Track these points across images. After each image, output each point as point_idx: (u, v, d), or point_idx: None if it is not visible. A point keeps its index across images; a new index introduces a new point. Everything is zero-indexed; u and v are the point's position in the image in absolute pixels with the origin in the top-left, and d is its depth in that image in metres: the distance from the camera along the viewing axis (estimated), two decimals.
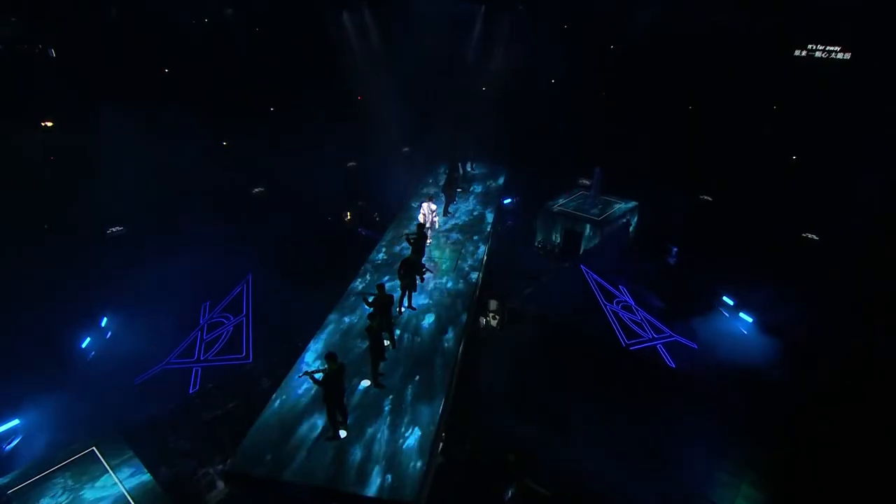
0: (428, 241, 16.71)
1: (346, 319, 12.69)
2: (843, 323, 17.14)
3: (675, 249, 23.08)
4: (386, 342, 11.45)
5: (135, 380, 15.03)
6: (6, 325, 14.62)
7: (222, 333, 17.23)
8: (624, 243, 24.03)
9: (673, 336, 18.11)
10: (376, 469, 8.70)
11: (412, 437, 9.36)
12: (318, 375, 8.83)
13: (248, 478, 8.81)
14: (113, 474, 11.06)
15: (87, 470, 11.11)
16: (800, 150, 24.56)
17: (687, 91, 25.77)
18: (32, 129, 18.94)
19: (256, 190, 25.32)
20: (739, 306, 18.58)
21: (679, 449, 12.89)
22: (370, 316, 10.21)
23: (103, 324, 16.58)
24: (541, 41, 27.05)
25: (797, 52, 24.16)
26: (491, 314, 17.89)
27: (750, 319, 18.07)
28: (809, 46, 23.90)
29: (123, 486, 10.83)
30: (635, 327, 18.58)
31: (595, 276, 20.38)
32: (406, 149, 29.35)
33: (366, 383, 10.65)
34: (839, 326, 16.92)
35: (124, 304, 17.29)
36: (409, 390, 10.52)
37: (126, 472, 11.14)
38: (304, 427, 9.54)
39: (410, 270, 12.40)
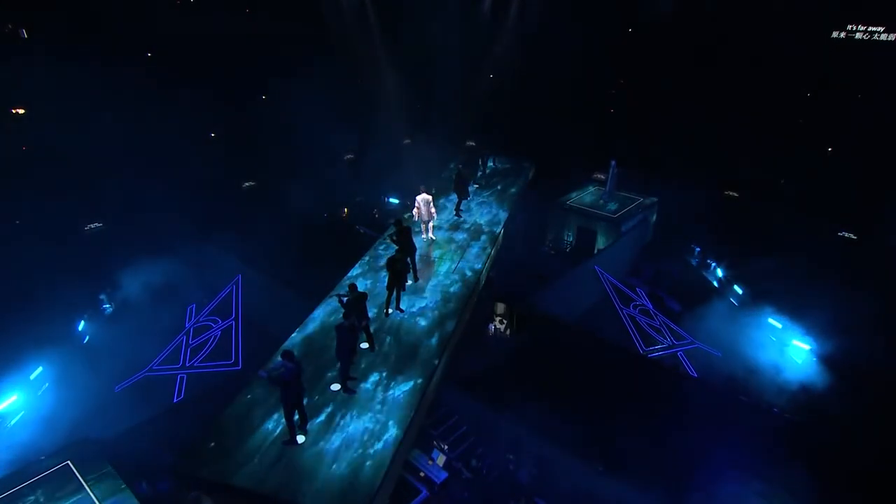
0: (432, 237, 16.58)
1: (331, 318, 12.76)
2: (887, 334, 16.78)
3: (698, 249, 22.76)
4: (364, 345, 11.60)
5: (115, 387, 14.86)
6: None
7: (210, 338, 17.07)
8: (642, 242, 23.74)
9: (695, 343, 17.84)
10: (329, 479, 8.80)
11: (372, 449, 9.41)
12: (276, 374, 8.90)
13: (196, 478, 9.11)
14: (89, 491, 10.88)
15: (60, 486, 10.93)
16: (836, 141, 24.14)
17: (711, 77, 25.37)
18: (3, 116, 18.84)
19: (247, 184, 25.17)
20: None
21: (702, 466, 12.61)
22: (345, 315, 10.33)
23: (80, 328, 16.43)
24: (554, 24, 26.77)
25: (835, 34, 23.62)
26: (498, 318, 17.70)
27: (808, 347, 17.13)
28: (849, 27, 23.33)
29: (100, 502, 10.65)
30: (654, 333, 18.35)
31: (610, 277, 20.12)
32: (407, 140, 29.16)
33: (336, 387, 10.69)
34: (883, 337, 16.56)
35: (103, 306, 17.13)
36: (380, 398, 10.56)
37: (103, 488, 10.96)
38: (264, 429, 9.75)
39: (396, 269, 12.45)
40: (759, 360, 16.61)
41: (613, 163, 23.35)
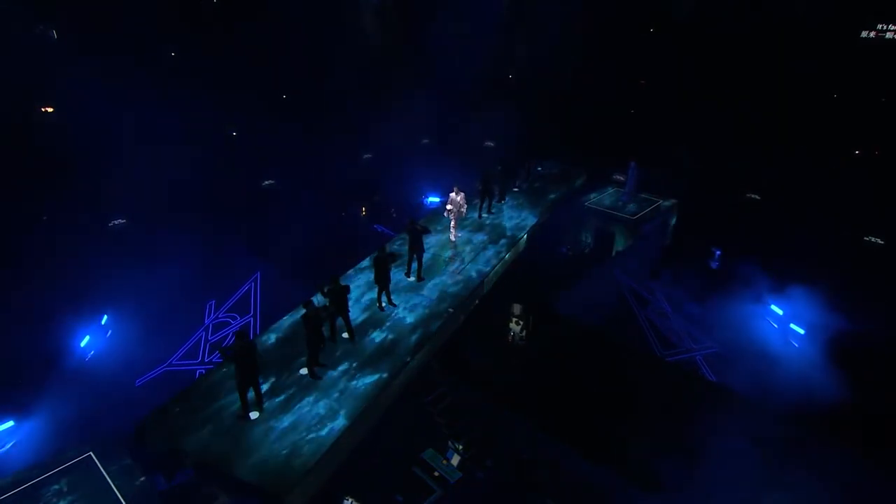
0: (451, 237, 16.63)
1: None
2: None
3: (719, 252, 22.37)
4: (345, 335, 12.04)
5: (136, 381, 15.12)
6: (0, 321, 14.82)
7: (228, 334, 17.25)
8: (661, 245, 23.43)
9: (713, 347, 17.56)
10: (266, 457, 9.15)
11: (316, 434, 9.65)
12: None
13: (149, 436, 9.87)
14: (110, 482, 11.07)
15: (83, 477, 11.14)
16: (863, 143, 23.55)
17: (734, 77, 24.94)
18: (32, 113, 19.28)
19: (266, 182, 25.43)
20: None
21: (720, 474, 12.40)
22: (305, 304, 10.67)
23: (103, 321, 16.73)
24: (574, 21, 26.56)
25: (864, 34, 23.00)
26: (514, 319, 17.61)
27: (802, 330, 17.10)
28: (879, 26, 22.68)
29: (121, 493, 10.84)
30: (672, 337, 18.09)
31: (628, 280, 19.91)
32: (426, 140, 29.18)
33: (304, 371, 11.08)
34: None
35: (126, 300, 17.45)
36: (342, 386, 10.78)
37: (124, 479, 11.13)
38: (225, 401, 10.25)
39: (379, 266, 12.70)
40: (780, 367, 16.28)
41: (633, 164, 23.07)
